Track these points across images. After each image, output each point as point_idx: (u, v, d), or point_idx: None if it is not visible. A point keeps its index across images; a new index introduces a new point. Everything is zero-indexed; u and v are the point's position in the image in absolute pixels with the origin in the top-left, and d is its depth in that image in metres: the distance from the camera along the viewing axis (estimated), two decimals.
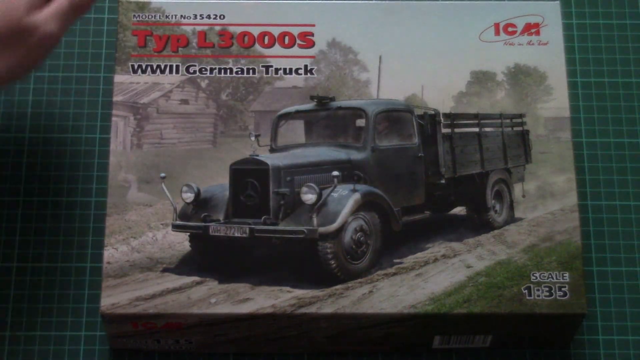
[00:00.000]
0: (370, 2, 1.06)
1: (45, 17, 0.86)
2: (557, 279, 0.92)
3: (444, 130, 1.03)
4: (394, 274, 0.93)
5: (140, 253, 0.93)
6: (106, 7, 1.11)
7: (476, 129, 1.05)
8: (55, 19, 0.87)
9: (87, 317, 0.98)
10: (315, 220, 0.93)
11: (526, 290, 0.91)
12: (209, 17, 1.02)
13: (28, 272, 1.00)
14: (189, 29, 1.01)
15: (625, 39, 1.11)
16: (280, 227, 0.94)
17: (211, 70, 1.00)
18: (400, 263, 0.94)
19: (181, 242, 0.94)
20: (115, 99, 0.98)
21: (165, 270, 0.92)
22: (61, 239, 1.01)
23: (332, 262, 0.92)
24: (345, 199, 0.94)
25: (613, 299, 1.00)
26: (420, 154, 1.03)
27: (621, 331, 0.99)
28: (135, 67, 1.00)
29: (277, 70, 1.00)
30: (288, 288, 0.91)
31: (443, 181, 1.03)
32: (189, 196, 0.97)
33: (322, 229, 0.92)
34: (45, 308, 0.99)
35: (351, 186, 0.96)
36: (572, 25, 1.12)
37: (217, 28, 1.02)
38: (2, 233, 1.01)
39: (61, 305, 0.99)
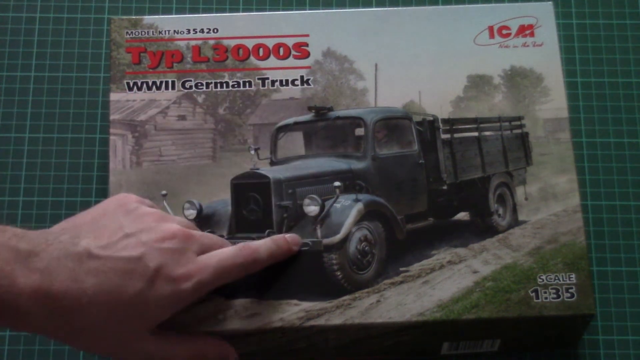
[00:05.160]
0: (364, 10, 1.06)
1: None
2: (563, 280, 0.91)
3: (444, 136, 1.03)
4: (401, 282, 0.92)
5: None
6: (106, 7, 1.12)
7: (476, 133, 1.05)
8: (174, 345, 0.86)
9: None
10: (319, 232, 0.92)
11: (533, 293, 0.91)
12: (202, 31, 1.02)
13: None
14: (182, 44, 1.01)
15: (625, 39, 1.11)
16: None
17: (207, 84, 1.00)
18: (407, 271, 0.93)
19: None
20: (112, 117, 0.98)
21: None
22: None
23: (338, 273, 0.92)
24: (348, 209, 0.94)
25: (613, 299, 1.00)
26: (420, 161, 1.02)
27: (621, 331, 0.99)
28: (131, 84, 0.99)
29: (273, 82, 1.00)
30: (295, 301, 0.90)
31: (445, 187, 1.03)
32: (191, 213, 0.96)
33: (326, 241, 0.92)
34: None
35: (353, 196, 0.95)
36: (572, 25, 1.12)
37: (211, 42, 1.01)
38: None
39: None
